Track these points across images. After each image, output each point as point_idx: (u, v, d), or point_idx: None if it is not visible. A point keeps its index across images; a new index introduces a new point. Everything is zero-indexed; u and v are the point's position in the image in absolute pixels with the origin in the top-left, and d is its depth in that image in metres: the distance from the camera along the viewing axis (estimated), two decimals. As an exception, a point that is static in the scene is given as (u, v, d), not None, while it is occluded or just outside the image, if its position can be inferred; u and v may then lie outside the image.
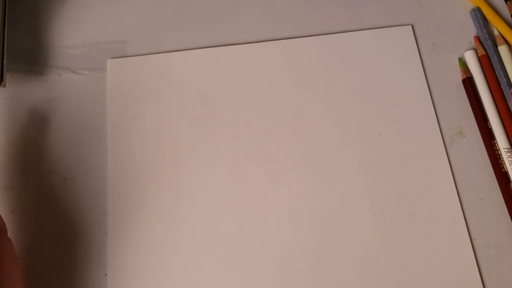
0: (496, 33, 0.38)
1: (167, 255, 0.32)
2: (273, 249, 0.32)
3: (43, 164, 0.34)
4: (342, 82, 0.36)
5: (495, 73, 0.36)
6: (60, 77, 0.37)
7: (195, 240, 0.32)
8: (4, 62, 0.34)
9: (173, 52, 0.38)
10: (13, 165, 0.34)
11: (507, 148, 0.33)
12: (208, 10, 0.39)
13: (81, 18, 0.39)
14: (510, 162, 0.33)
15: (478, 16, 0.38)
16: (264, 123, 0.35)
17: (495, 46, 0.37)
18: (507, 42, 0.37)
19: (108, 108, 0.36)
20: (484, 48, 0.37)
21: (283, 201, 0.33)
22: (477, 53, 0.37)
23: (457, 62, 0.37)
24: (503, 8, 0.39)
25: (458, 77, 0.37)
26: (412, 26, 0.38)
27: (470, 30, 0.38)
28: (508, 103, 0.35)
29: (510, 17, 0.38)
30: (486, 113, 0.35)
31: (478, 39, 0.38)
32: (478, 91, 0.36)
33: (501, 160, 0.33)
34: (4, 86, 0.34)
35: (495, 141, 0.34)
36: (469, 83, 0.36)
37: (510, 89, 0.35)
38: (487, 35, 0.37)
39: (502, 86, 0.35)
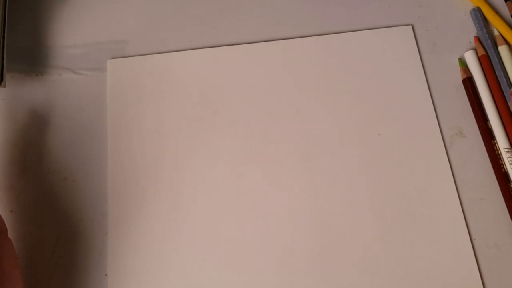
0: (496, 33, 0.38)
1: (167, 255, 0.32)
2: (273, 249, 0.32)
3: (43, 164, 0.34)
4: (342, 82, 0.36)
5: (495, 73, 0.36)
6: (60, 77, 0.37)
7: (195, 240, 0.32)
8: (4, 62, 0.34)
9: (173, 52, 0.38)
10: (13, 165, 0.34)
11: (507, 148, 0.33)
12: (208, 10, 0.39)
13: (81, 18, 0.39)
14: (510, 162, 0.33)
15: (478, 16, 0.38)
16: (264, 123, 0.35)
17: (495, 46, 0.37)
18: (507, 42, 0.37)
19: (108, 108, 0.36)
20: (484, 48, 0.37)
21: (283, 201, 0.33)
22: (477, 53, 0.37)
23: (457, 62, 0.37)
24: (503, 8, 0.39)
25: (458, 77, 0.37)
26: (412, 26, 0.38)
27: (470, 30, 0.38)
28: (508, 103, 0.35)
29: (510, 17, 0.38)
30: (486, 113, 0.35)
31: (478, 39, 0.38)
32: (478, 91, 0.36)
33: (501, 160, 0.33)
34: (4, 86, 0.34)
35: (495, 141, 0.34)
36: (469, 83, 0.36)
37: (510, 89, 0.35)
38: (487, 35, 0.37)
39: (502, 86, 0.35)
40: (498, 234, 0.32)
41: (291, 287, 0.31)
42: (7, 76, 0.36)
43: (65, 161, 0.34)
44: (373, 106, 0.36)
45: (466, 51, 0.37)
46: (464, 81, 0.36)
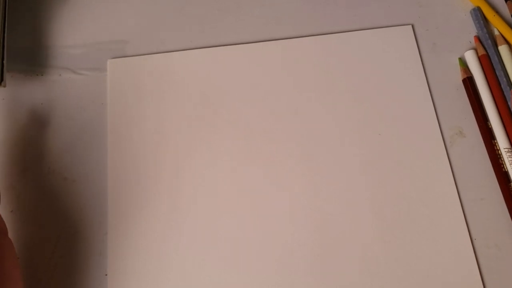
0: (496, 33, 0.38)
1: (167, 255, 0.32)
2: (273, 249, 0.32)
3: (43, 164, 0.34)
4: (342, 82, 0.36)
5: (495, 73, 0.36)
6: (60, 77, 0.37)
7: (195, 240, 0.32)
8: (4, 62, 0.34)
9: (173, 52, 0.38)
10: (13, 165, 0.34)
11: (507, 148, 0.33)
12: (208, 10, 0.39)
13: (81, 18, 0.39)
14: (510, 162, 0.33)
15: (478, 16, 0.38)
16: (264, 123, 0.35)
17: (496, 46, 0.37)
18: (507, 42, 0.37)
19: (108, 108, 0.36)
20: (485, 48, 0.37)
21: (283, 201, 0.33)
22: (477, 53, 0.37)
23: (457, 62, 0.37)
24: (503, 8, 0.39)
25: (458, 77, 0.37)
26: (412, 26, 0.38)
27: (470, 30, 0.38)
28: (509, 103, 0.35)
29: (510, 17, 0.38)
30: (486, 113, 0.35)
31: (478, 39, 0.38)
32: (478, 91, 0.36)
33: (502, 160, 0.33)
34: (4, 86, 0.34)
35: (495, 141, 0.34)
36: (469, 83, 0.36)
37: (510, 89, 0.35)
38: (487, 35, 0.37)
39: (502, 86, 0.35)
40: (498, 234, 0.32)
41: (291, 287, 0.31)
42: (7, 76, 0.36)
43: (65, 161, 0.34)
44: (373, 106, 0.36)
45: (466, 51, 0.37)
46: (464, 81, 0.36)
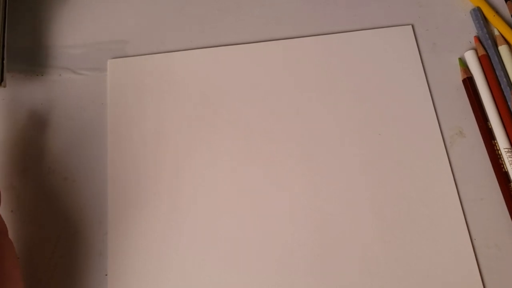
0: (496, 33, 0.38)
1: (167, 255, 0.32)
2: (273, 249, 0.32)
3: (43, 164, 0.34)
4: (342, 82, 0.36)
5: (495, 73, 0.36)
6: (60, 77, 0.37)
7: (195, 240, 0.32)
8: (4, 62, 0.34)
9: (173, 52, 0.38)
10: (13, 165, 0.34)
11: (507, 148, 0.33)
12: (208, 10, 0.39)
13: (81, 18, 0.39)
14: (510, 162, 0.33)
15: (478, 16, 0.38)
16: (265, 123, 0.35)
17: (496, 46, 0.37)
18: (507, 42, 0.37)
19: (108, 108, 0.36)
20: (485, 48, 0.37)
21: (283, 201, 0.33)
22: (477, 53, 0.37)
23: (457, 62, 0.37)
24: (503, 8, 0.39)
25: (458, 77, 0.37)
26: (412, 26, 0.38)
27: (470, 30, 0.38)
28: (509, 103, 0.35)
29: (510, 17, 0.38)
30: (486, 113, 0.35)
31: (478, 39, 0.38)
32: (478, 91, 0.36)
33: (501, 160, 0.33)
34: (5, 86, 0.34)
35: (495, 141, 0.34)
36: (469, 83, 0.36)
37: (510, 89, 0.35)
38: (487, 35, 0.37)
39: (502, 86, 0.35)
40: (498, 234, 0.32)
41: (291, 287, 0.31)
42: (7, 76, 0.36)
43: (65, 161, 0.34)
44: (373, 106, 0.36)
45: (466, 51, 0.37)
46: (464, 81, 0.36)
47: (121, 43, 0.38)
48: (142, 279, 0.31)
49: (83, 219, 0.33)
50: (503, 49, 0.36)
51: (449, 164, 0.34)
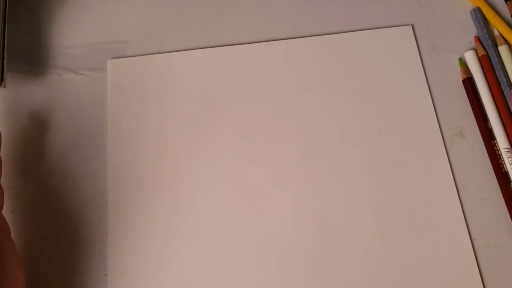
0: (496, 33, 0.38)
1: (167, 255, 0.32)
2: (273, 249, 0.32)
3: (43, 164, 0.34)
4: (342, 82, 0.36)
5: (495, 73, 0.36)
6: (60, 77, 0.37)
7: (195, 240, 0.32)
8: (5, 62, 0.34)
9: (173, 52, 0.38)
10: (13, 165, 0.34)
11: (507, 148, 0.33)
12: (208, 10, 0.39)
13: (81, 18, 0.39)
14: (510, 162, 0.33)
15: (478, 16, 0.38)
16: (265, 123, 0.35)
17: (495, 46, 0.37)
18: (507, 42, 0.37)
19: (108, 108, 0.36)
20: (484, 48, 0.37)
21: (284, 201, 0.33)
22: (477, 53, 0.37)
23: (457, 62, 0.37)
24: (503, 8, 0.39)
25: (458, 77, 0.37)
26: (412, 26, 0.38)
27: (470, 30, 0.38)
28: (508, 103, 0.35)
29: (510, 17, 0.38)
30: (486, 113, 0.35)
31: (478, 39, 0.38)
32: (478, 91, 0.36)
33: (501, 160, 0.33)
34: (5, 86, 0.34)
35: (495, 141, 0.34)
36: (469, 83, 0.36)
37: (510, 89, 0.35)
38: (487, 35, 0.37)
39: (502, 86, 0.35)
40: (498, 234, 0.32)
41: (291, 287, 0.31)
42: (7, 76, 0.36)
43: (66, 161, 0.34)
44: (374, 106, 0.36)
45: (466, 51, 0.37)
46: (464, 81, 0.36)
47: (121, 43, 0.38)
48: (142, 279, 0.31)
49: (83, 219, 0.33)
50: (503, 49, 0.36)
51: (449, 164, 0.34)
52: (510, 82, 0.35)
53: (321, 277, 0.31)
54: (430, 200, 0.33)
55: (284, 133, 0.35)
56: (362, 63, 0.37)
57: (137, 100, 0.36)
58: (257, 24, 0.39)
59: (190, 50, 0.38)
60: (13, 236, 0.31)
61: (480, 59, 0.37)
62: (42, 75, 0.37)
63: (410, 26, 0.38)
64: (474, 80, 0.36)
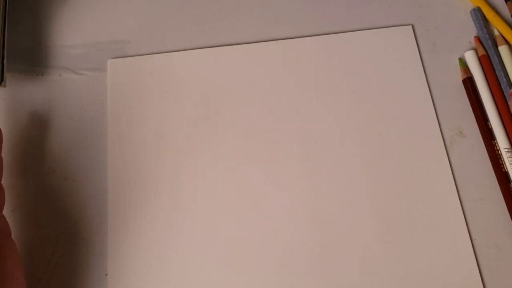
0: (496, 33, 0.38)
1: (167, 255, 0.32)
2: (273, 249, 0.32)
3: (43, 164, 0.34)
4: (342, 82, 0.36)
5: (495, 73, 0.36)
6: (60, 77, 0.37)
7: (195, 240, 0.32)
8: (5, 62, 0.34)
9: (173, 52, 0.38)
10: (13, 165, 0.34)
11: (508, 148, 0.33)
12: (208, 10, 0.39)
13: (81, 18, 0.39)
14: (510, 162, 0.33)
15: (478, 16, 0.38)
16: (265, 123, 0.35)
17: (496, 46, 0.37)
18: (507, 42, 0.37)
19: (108, 108, 0.36)
20: (485, 48, 0.37)
21: (284, 201, 0.33)
22: (477, 53, 0.37)
23: (457, 62, 0.37)
24: (503, 8, 0.39)
25: (458, 77, 0.37)
26: (412, 26, 0.38)
27: (470, 30, 0.38)
28: (508, 103, 0.35)
29: (510, 17, 0.38)
30: (486, 113, 0.35)
31: (478, 39, 0.38)
32: (478, 91, 0.36)
33: (502, 160, 0.33)
34: (5, 86, 0.34)
35: (495, 141, 0.34)
36: (469, 83, 0.36)
37: (510, 89, 0.35)
38: (487, 35, 0.37)
39: (502, 86, 0.35)
40: (498, 234, 0.32)
41: (291, 287, 0.31)
42: (7, 76, 0.36)
43: (66, 161, 0.34)
44: (374, 106, 0.36)
45: (466, 51, 0.37)
46: (464, 81, 0.36)
47: (121, 43, 0.38)
48: (142, 279, 0.31)
49: (83, 219, 0.33)
50: (503, 49, 0.36)
51: (449, 164, 0.34)
52: (510, 82, 0.35)
53: (321, 277, 0.31)
54: (430, 200, 0.33)
55: (284, 133, 0.35)
56: (362, 63, 0.37)
57: (137, 100, 0.36)
58: (257, 24, 0.39)
59: (190, 50, 0.38)
60: (13, 236, 0.32)
61: (480, 59, 0.37)
62: (42, 75, 0.37)
63: (410, 26, 0.38)
64: (474, 80, 0.36)
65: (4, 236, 0.29)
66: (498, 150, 0.34)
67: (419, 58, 0.37)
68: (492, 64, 0.36)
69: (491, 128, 0.34)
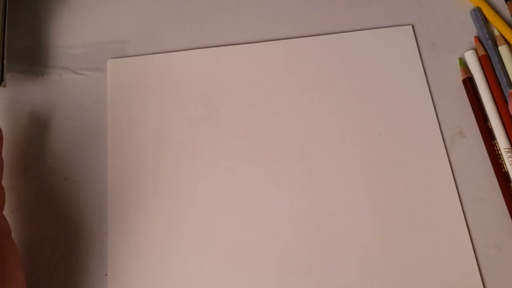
0: (496, 33, 0.38)
1: (167, 255, 0.32)
2: (273, 249, 0.32)
3: (43, 164, 0.34)
4: (342, 82, 0.36)
5: (495, 73, 0.36)
6: (60, 77, 0.37)
7: (195, 240, 0.32)
8: (5, 62, 0.34)
9: (173, 52, 0.38)
10: (13, 165, 0.34)
11: (508, 148, 0.33)
12: (208, 10, 0.39)
13: (81, 18, 0.39)
14: (510, 162, 0.33)
15: (479, 16, 0.38)
16: (265, 123, 0.35)
17: (496, 46, 0.37)
18: (507, 42, 0.37)
19: (108, 108, 0.36)
20: (485, 48, 0.37)
21: (284, 201, 0.33)
22: (477, 53, 0.37)
23: (457, 62, 0.37)
24: (504, 8, 0.39)
25: (458, 77, 0.37)
26: (412, 26, 0.38)
27: (470, 30, 0.38)
28: (508, 103, 0.35)
29: (510, 17, 0.38)
30: (486, 113, 0.35)
31: (478, 39, 0.38)
32: (478, 91, 0.36)
33: (502, 160, 0.33)
34: (5, 86, 0.34)
35: (495, 141, 0.34)
36: (469, 83, 0.36)
37: (510, 89, 0.35)
38: (487, 35, 0.37)
39: (502, 86, 0.35)
40: (498, 234, 0.32)
41: (291, 287, 0.31)
42: (7, 76, 0.36)
43: (66, 161, 0.34)
44: (374, 106, 0.36)
45: (466, 51, 0.37)
46: (464, 81, 0.36)
47: (121, 43, 0.38)
48: (142, 279, 0.31)
49: (83, 219, 0.33)
50: (503, 49, 0.36)
51: (449, 164, 0.34)
52: (510, 82, 0.35)
53: (321, 277, 0.31)
54: (430, 200, 0.33)
55: (284, 133, 0.35)
56: (362, 63, 0.37)
57: (137, 100, 0.36)
58: (257, 24, 0.39)
59: (190, 50, 0.38)
60: (13, 236, 0.32)
61: (480, 59, 0.37)
62: (42, 75, 0.37)
63: (410, 26, 0.38)
64: (474, 80, 0.36)
65: (4, 236, 0.29)
66: (498, 150, 0.34)
67: (419, 58, 0.37)
68: (492, 64, 0.36)
69: (491, 128, 0.34)
